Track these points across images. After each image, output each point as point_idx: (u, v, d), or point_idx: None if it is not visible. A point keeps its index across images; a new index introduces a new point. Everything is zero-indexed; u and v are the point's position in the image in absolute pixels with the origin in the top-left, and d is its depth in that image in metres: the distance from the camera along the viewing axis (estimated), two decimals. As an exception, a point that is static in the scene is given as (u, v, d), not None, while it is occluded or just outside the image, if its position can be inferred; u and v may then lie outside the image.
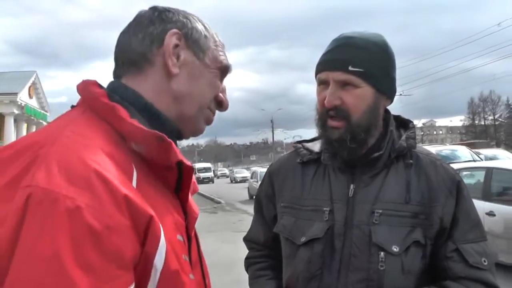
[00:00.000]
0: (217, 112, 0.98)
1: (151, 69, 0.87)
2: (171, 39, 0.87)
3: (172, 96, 0.89)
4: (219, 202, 19.97)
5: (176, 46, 0.88)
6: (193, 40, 0.90)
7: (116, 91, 0.85)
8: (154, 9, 0.92)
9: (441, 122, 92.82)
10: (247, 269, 1.56)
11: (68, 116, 0.81)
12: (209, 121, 0.96)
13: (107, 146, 0.74)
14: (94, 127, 0.77)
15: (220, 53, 0.95)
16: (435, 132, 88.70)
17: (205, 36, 0.92)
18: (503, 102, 64.89)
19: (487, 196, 6.56)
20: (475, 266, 1.21)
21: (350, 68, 1.24)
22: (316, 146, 1.42)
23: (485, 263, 1.22)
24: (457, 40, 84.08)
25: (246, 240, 1.59)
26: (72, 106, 0.86)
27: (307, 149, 1.43)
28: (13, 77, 28.02)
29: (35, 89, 29.64)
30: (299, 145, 1.46)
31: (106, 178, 0.67)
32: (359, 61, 1.25)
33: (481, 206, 6.37)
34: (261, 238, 1.51)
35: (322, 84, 1.30)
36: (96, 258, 0.62)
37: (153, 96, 0.87)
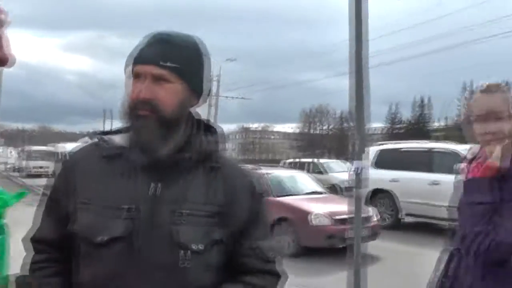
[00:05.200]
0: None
1: None
2: None
3: None
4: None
5: None
6: None
7: None
8: None
9: (277, 127, 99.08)
10: (31, 275, 1.38)
11: None
12: None
13: None
14: None
15: None
16: (272, 137, 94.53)
17: None
18: (337, 115, 71.94)
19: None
20: (266, 260, 1.36)
21: (164, 63, 1.27)
22: (119, 140, 1.35)
23: (273, 257, 1.38)
24: (297, 53, 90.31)
25: (34, 240, 1.39)
26: None
27: (108, 142, 1.35)
28: None
29: None
30: (100, 138, 1.37)
31: None
32: (174, 57, 1.28)
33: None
34: (51, 238, 1.36)
35: (136, 77, 1.30)
36: None
37: None
